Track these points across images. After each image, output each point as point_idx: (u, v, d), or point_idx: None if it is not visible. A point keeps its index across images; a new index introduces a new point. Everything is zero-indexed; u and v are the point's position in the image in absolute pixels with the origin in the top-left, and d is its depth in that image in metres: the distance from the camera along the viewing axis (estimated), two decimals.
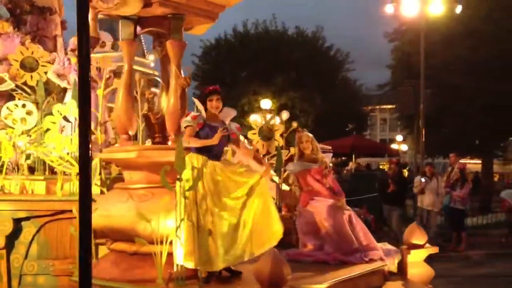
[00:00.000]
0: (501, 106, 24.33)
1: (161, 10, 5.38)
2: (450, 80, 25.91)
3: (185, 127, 5.04)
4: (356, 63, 29.23)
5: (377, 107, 30.85)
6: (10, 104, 6.94)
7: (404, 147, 33.70)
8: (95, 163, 5.92)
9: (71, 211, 6.06)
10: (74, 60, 7.58)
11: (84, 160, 2.87)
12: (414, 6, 21.97)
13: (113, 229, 5.20)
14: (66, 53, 8.47)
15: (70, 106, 6.25)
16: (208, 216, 4.87)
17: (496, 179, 31.14)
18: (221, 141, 5.08)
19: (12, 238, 6.06)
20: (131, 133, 5.62)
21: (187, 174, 4.84)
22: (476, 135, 25.71)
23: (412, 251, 6.39)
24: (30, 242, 6.09)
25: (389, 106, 28.19)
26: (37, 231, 6.12)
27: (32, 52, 7.88)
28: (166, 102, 5.58)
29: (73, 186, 6.31)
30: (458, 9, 23.00)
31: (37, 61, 7.97)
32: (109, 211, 5.20)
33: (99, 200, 5.37)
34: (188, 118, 5.06)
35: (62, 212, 6.15)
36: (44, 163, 6.92)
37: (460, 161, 15.83)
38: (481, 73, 24.46)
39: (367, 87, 30.55)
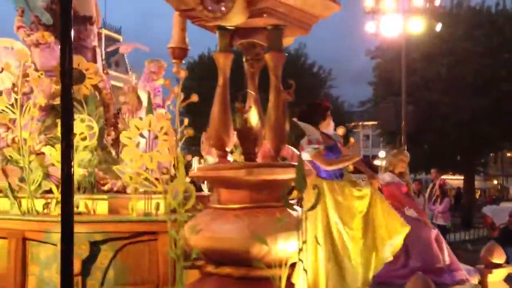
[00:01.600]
0: (478, 122, 24.87)
1: (264, 21, 5.12)
2: (429, 97, 26.38)
3: (313, 156, 4.92)
4: (338, 80, 29.49)
5: (360, 123, 31.15)
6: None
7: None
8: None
9: (150, 233, 5.73)
10: (160, 81, 7.23)
11: (66, 179, 2.94)
12: (395, 24, 22.29)
13: (221, 251, 4.84)
14: (107, 66, 8.11)
15: (148, 121, 5.91)
16: (333, 237, 4.63)
17: (477, 194, 31.67)
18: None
19: (88, 263, 5.66)
20: (228, 149, 5.31)
21: (308, 193, 4.60)
22: (456, 151, 26.18)
23: (494, 271, 6.26)
24: (107, 267, 5.70)
25: (371, 123, 28.47)
26: (114, 255, 5.73)
27: (79, 64, 7.51)
28: (267, 116, 5.30)
29: (150, 205, 5.98)
30: (438, 27, 23.46)
31: (82, 73, 7.59)
32: (216, 232, 4.84)
33: (200, 221, 5.02)
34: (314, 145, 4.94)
35: (141, 234, 5.78)
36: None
37: (442, 176, 16.01)
38: (459, 90, 25.00)
39: (350, 104, 30.82)
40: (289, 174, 4.98)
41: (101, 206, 6.39)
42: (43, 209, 6.42)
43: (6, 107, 6.59)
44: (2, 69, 6.80)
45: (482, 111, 24.28)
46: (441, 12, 23.73)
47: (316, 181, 4.79)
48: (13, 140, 7.17)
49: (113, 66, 51.27)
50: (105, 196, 6.46)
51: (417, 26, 22.79)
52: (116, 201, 6.42)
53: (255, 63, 5.68)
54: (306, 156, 5.28)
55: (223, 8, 4.81)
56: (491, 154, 29.37)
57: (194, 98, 6.27)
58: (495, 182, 29.32)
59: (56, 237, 5.64)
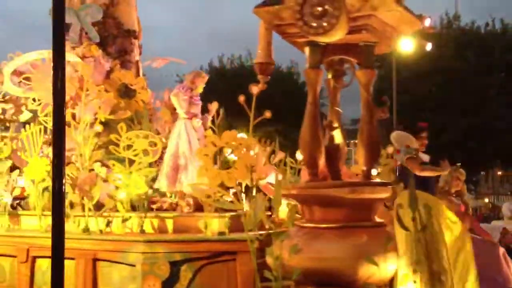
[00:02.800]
0: (469, 141, 25.19)
1: (359, 37, 5.05)
2: (420, 116, 26.63)
3: (407, 159, 4.82)
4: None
5: (351, 141, 31.20)
6: (132, 133, 6.35)
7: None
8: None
9: (229, 252, 5.57)
10: (199, 90, 7.07)
11: (58, 197, 2.91)
12: None
13: (325, 272, 4.70)
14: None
15: (228, 138, 5.77)
16: (443, 259, 4.55)
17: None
18: None
19: (168, 284, 5.45)
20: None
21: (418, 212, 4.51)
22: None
23: None
24: None
25: None
26: (193, 276, 5.54)
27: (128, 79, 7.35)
28: (359, 133, 5.22)
29: (224, 224, 5.83)
30: (428, 47, 23.81)
31: (128, 88, 7.42)
32: (319, 252, 4.70)
33: (296, 241, 4.87)
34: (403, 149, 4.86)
35: (220, 254, 5.61)
36: None
37: None
38: (450, 109, 25.32)
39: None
40: (386, 193, 4.92)
41: (167, 225, 6.21)
42: (105, 227, 6.20)
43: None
44: None
45: (473, 130, 24.61)
46: (431, 32, 24.16)
47: (424, 197, 4.69)
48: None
49: None
50: (170, 215, 6.27)
51: (407, 46, 23.15)
52: (181, 220, 6.25)
53: (339, 80, 5.61)
54: (400, 158, 5.25)
55: (325, 24, 4.72)
56: (482, 173, 29.71)
57: (268, 115, 6.15)
58: (486, 200, 29.73)
59: (134, 257, 5.46)
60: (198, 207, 6.85)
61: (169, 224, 6.19)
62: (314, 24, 4.74)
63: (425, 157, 5.52)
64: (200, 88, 7.12)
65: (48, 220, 6.45)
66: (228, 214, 6.37)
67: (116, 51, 7.82)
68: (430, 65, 26.16)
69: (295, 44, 5.36)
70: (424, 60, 25.46)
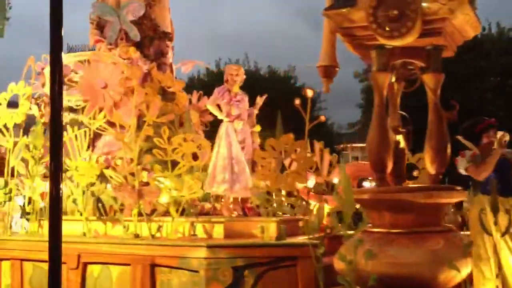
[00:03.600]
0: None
1: (429, 40, 5.01)
2: (418, 119, 26.80)
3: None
4: (327, 102, 29.56)
5: (349, 145, 31.23)
6: (179, 137, 6.25)
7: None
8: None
9: (291, 258, 5.50)
10: (236, 89, 6.95)
11: (55, 202, 2.85)
12: None
13: (403, 277, 4.63)
14: None
15: (285, 141, 5.69)
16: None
17: None
18: None
19: None
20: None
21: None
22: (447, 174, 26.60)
23: None
24: None
25: (361, 145, 28.66)
26: (255, 282, 5.45)
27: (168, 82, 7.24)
28: (427, 137, 5.16)
29: (281, 229, 5.75)
30: None
31: (166, 91, 7.31)
32: (397, 258, 4.63)
33: (368, 246, 4.80)
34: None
35: (281, 259, 5.52)
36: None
37: None
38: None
39: (339, 126, 31.01)
40: (460, 198, 4.90)
41: (218, 230, 6.12)
42: (156, 232, 6.09)
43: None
44: (106, 85, 6.44)
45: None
46: None
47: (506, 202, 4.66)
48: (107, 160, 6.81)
49: None
50: (222, 219, 6.18)
51: None
52: (232, 224, 6.17)
53: (402, 83, 5.56)
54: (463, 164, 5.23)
55: (402, 27, 4.68)
56: None
57: (322, 118, 6.10)
58: None
59: (197, 263, 5.36)
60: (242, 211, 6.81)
61: (220, 229, 6.10)
62: (389, 27, 4.71)
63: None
64: (236, 86, 6.97)
65: (94, 225, 6.35)
66: (277, 219, 6.34)
67: (153, 53, 7.69)
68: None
69: (356, 47, 5.30)
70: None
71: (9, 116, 6.63)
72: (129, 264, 5.67)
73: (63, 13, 3.14)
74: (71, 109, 7.08)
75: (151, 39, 7.66)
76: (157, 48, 7.75)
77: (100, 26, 7.88)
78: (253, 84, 27.60)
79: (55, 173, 2.90)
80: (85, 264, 5.92)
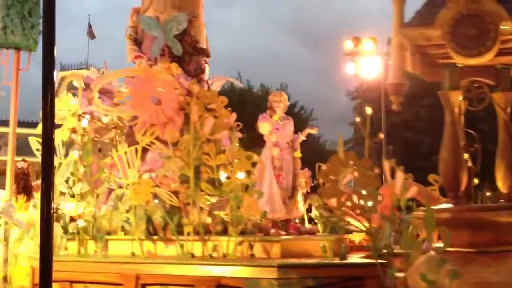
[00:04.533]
0: None
1: (501, 60, 5.04)
2: (410, 136, 27.05)
3: None
4: (319, 120, 29.76)
5: None
6: (232, 154, 6.18)
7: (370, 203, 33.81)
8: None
9: (357, 278, 5.44)
10: (276, 117, 6.96)
11: (46, 221, 2.88)
12: (374, 66, 22.88)
13: None
14: None
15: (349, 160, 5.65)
16: None
17: None
18: None
19: None
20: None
21: None
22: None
23: None
24: None
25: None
26: None
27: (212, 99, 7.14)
28: (499, 154, 5.19)
29: (342, 247, 5.70)
30: None
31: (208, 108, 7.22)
32: (484, 278, 4.60)
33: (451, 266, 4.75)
34: None
35: (349, 279, 5.45)
36: None
37: None
38: (439, 130, 25.75)
39: (332, 143, 31.13)
40: None
41: (275, 249, 6.04)
42: (213, 252, 5.98)
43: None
44: (160, 101, 6.33)
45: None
46: None
47: None
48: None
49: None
50: (278, 239, 6.10)
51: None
52: (288, 244, 6.10)
53: (466, 102, 5.60)
54: None
55: (481, 47, 4.72)
56: None
57: (381, 136, 6.09)
58: None
59: (267, 283, 5.26)
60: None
61: (277, 248, 6.02)
62: (468, 46, 4.74)
63: None
64: (278, 113, 7.05)
65: (147, 245, 6.21)
66: (332, 237, 6.28)
67: (192, 70, 7.61)
68: (419, 87, 26.63)
69: (425, 66, 5.31)
70: (413, 82, 25.98)
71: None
72: (193, 286, 5.53)
73: (55, 33, 3.13)
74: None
75: (190, 55, 7.58)
76: (196, 65, 7.68)
77: (138, 42, 7.79)
78: (246, 102, 27.71)
79: (46, 192, 2.93)
80: (144, 286, 5.76)
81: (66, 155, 7.01)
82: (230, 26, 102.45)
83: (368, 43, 23.08)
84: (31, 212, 7.48)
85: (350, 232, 7.18)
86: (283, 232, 6.60)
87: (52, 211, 3.00)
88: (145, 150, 6.57)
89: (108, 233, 6.67)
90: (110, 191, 6.93)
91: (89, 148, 6.29)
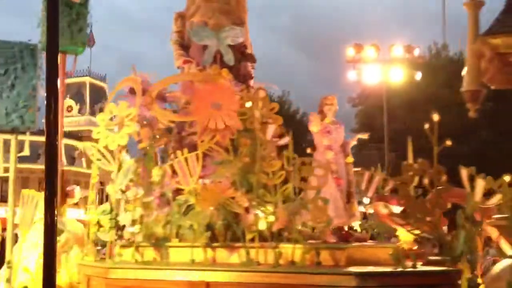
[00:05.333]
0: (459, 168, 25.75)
1: None
2: (412, 143, 27.15)
3: None
4: None
5: None
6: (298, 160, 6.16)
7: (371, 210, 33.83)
8: None
9: (432, 286, 5.41)
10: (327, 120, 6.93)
11: (49, 228, 2.85)
12: (376, 73, 23.00)
13: None
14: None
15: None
16: None
17: None
18: None
19: None
20: None
21: None
22: None
23: None
24: None
25: (355, 169, 28.89)
26: None
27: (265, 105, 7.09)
28: None
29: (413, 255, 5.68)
30: (418, 76, 24.35)
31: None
32: None
33: None
34: None
35: (426, 286, 5.42)
36: None
37: None
38: (440, 136, 25.90)
39: None
40: None
41: (340, 257, 5.98)
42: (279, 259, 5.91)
43: None
44: (221, 106, 6.26)
45: (464, 158, 25.19)
46: (420, 61, 24.75)
47: None
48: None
49: (97, 113, 48.68)
50: (344, 246, 6.06)
51: (397, 75, 23.62)
52: (354, 251, 6.06)
53: None
54: None
55: None
56: None
57: (448, 143, 6.09)
58: None
59: None
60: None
61: (342, 256, 5.96)
62: None
63: None
64: (329, 117, 7.01)
65: (211, 253, 6.13)
66: (394, 245, 6.24)
67: (242, 75, 7.57)
68: (420, 94, 26.78)
69: (503, 73, 5.33)
70: (414, 89, 26.09)
71: (111, 138, 6.36)
72: None
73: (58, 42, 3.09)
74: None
75: (239, 61, 7.54)
76: (244, 70, 7.64)
77: (184, 47, 7.72)
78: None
79: (50, 200, 2.89)
80: None
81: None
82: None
83: (370, 50, 23.21)
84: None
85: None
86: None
87: (55, 218, 2.97)
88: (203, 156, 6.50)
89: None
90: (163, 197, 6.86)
91: (151, 154, 6.22)
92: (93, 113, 46.59)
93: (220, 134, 6.24)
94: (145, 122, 6.61)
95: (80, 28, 7.22)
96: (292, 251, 5.90)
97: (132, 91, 6.89)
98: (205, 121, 6.14)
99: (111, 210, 6.33)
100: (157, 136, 6.62)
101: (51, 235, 2.91)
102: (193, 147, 6.73)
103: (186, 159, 6.30)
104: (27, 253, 6.73)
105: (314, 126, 6.89)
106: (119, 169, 6.33)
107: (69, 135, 41.45)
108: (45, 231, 2.85)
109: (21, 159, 7.38)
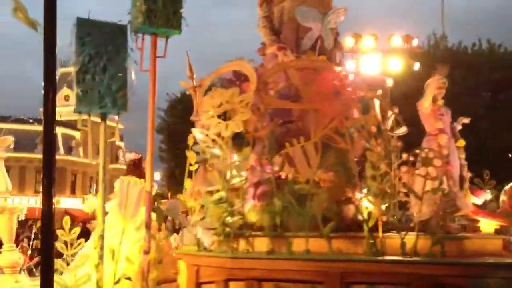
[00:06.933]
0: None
1: None
2: (410, 133, 27.38)
3: None
4: None
5: None
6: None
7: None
8: None
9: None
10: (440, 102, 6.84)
11: (47, 217, 2.83)
12: (374, 63, 23.07)
13: None
14: None
15: None
16: None
17: None
18: None
19: None
20: None
21: None
22: None
23: None
24: None
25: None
26: None
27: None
28: None
29: None
30: (416, 66, 24.51)
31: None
32: None
33: None
34: None
35: None
36: None
37: None
38: None
39: None
40: None
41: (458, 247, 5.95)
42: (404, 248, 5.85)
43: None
44: (339, 92, 6.14)
45: (466, 149, 25.52)
46: (419, 52, 24.90)
47: None
48: None
49: None
50: (459, 236, 6.05)
51: (396, 66, 23.72)
52: (466, 242, 6.02)
53: None
54: None
55: None
56: None
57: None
58: None
59: (493, 283, 5.16)
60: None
61: (460, 246, 5.93)
62: None
63: None
64: (440, 100, 6.93)
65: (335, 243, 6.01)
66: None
67: (334, 64, 7.44)
68: (418, 85, 26.94)
69: None
70: (413, 80, 26.25)
71: (223, 126, 6.17)
72: (407, 284, 5.39)
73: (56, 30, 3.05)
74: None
75: (331, 49, 7.42)
76: (335, 58, 7.52)
77: (274, 31, 7.54)
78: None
79: (48, 188, 2.86)
80: (348, 285, 5.57)
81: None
82: (231, 24, 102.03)
83: (369, 39, 23.24)
84: None
85: None
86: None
87: (53, 207, 2.90)
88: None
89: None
90: (258, 185, 6.73)
91: (273, 142, 6.06)
92: None
93: (339, 122, 6.12)
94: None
95: (175, 10, 6.96)
96: (415, 241, 5.83)
97: (236, 76, 6.72)
98: (327, 109, 6.02)
99: (227, 198, 6.14)
100: (263, 124, 6.43)
101: (49, 224, 2.85)
102: (295, 135, 6.61)
103: (303, 148, 6.15)
104: (127, 243, 6.50)
105: (428, 108, 6.77)
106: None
107: (66, 124, 40.72)
108: (42, 220, 2.79)
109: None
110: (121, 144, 47.13)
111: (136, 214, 6.29)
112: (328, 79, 6.13)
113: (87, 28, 6.33)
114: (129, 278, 6.26)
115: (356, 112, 6.43)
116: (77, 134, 44.65)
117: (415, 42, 25.23)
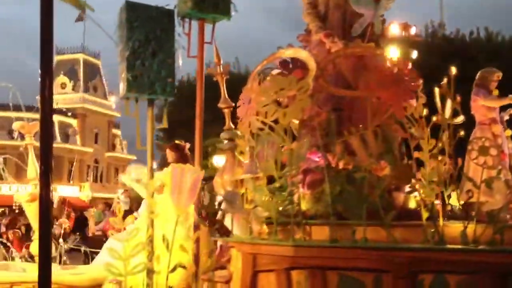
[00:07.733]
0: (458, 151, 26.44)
1: None
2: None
3: None
4: None
5: None
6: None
7: None
8: None
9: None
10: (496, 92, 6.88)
11: (45, 205, 2.83)
12: None
13: None
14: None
15: None
16: None
17: None
18: None
19: None
20: None
21: None
22: None
23: None
24: None
25: None
26: None
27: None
28: None
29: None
30: (414, 54, 24.61)
31: None
32: None
33: None
34: None
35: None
36: None
37: None
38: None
39: None
40: None
41: None
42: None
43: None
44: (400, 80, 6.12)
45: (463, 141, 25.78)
46: (417, 40, 24.99)
47: None
48: None
49: (91, 90, 47.03)
50: None
51: (394, 53, 23.83)
52: None
53: None
54: None
55: None
56: None
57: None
58: None
59: None
60: None
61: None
62: None
63: None
64: (496, 91, 7.00)
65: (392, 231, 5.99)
66: None
67: None
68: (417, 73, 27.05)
69: None
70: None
71: (281, 113, 6.09)
72: (474, 272, 5.40)
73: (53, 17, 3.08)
74: None
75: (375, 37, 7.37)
76: (382, 45, 7.47)
77: (320, 18, 7.45)
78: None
79: (45, 175, 2.86)
80: (415, 273, 5.56)
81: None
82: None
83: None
84: None
85: None
86: None
87: (51, 194, 2.92)
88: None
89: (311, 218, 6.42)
90: (307, 172, 6.71)
91: (333, 130, 6.02)
92: (86, 90, 45.00)
93: (398, 110, 6.10)
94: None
95: None
96: (474, 230, 5.83)
97: (284, 64, 6.64)
98: (386, 97, 5.99)
99: (287, 187, 6.07)
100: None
101: (46, 212, 2.84)
102: (348, 124, 6.59)
103: (362, 136, 6.13)
104: (181, 231, 6.42)
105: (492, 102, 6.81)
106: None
107: (63, 112, 40.26)
108: (40, 208, 2.79)
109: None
110: (118, 132, 46.88)
111: (190, 202, 6.20)
112: (388, 67, 6.09)
113: (136, 12, 6.19)
114: (183, 267, 6.19)
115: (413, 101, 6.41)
116: (74, 122, 44.21)
117: (413, 30, 25.27)
